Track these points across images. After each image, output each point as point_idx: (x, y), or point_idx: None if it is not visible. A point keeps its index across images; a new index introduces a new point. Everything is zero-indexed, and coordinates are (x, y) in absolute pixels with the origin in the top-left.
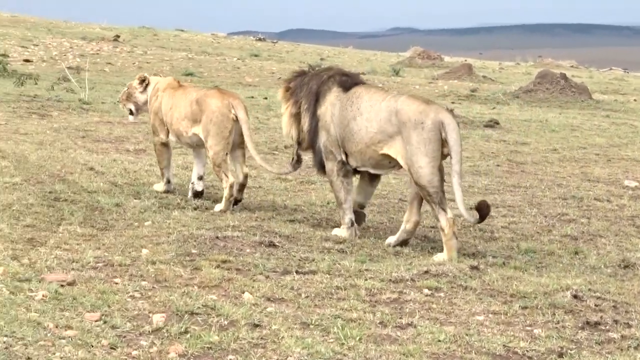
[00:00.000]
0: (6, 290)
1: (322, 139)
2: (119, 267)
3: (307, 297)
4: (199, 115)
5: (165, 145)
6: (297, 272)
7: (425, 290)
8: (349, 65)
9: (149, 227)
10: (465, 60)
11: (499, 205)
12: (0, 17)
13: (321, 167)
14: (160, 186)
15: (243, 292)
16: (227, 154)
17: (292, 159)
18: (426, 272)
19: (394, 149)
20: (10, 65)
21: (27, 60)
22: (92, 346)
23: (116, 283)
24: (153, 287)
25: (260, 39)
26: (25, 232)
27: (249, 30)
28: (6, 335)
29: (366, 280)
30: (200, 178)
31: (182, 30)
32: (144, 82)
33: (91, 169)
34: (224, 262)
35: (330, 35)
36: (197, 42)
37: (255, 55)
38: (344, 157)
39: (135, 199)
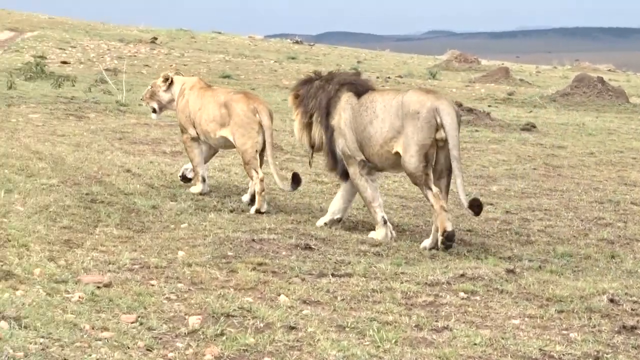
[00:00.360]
0: (43, 291)
1: (340, 146)
2: (155, 269)
3: (342, 299)
4: (227, 119)
5: (195, 139)
6: (332, 274)
7: (461, 294)
8: (385, 68)
9: (185, 229)
10: (502, 64)
11: (535, 209)
12: (38, 19)
13: (344, 174)
14: (197, 188)
15: (279, 295)
16: (257, 151)
17: (309, 162)
18: (462, 275)
19: (399, 144)
20: (48, 67)
21: (64, 62)
22: (128, 348)
23: (152, 285)
24: (189, 289)
25: (297, 42)
26: (62, 234)
27: (286, 33)
28: (43, 337)
29: (402, 283)
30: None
31: (220, 33)
32: (167, 80)
33: (128, 170)
34: (260, 264)
35: (367, 38)
36: (234, 44)
37: (292, 58)
38: (364, 157)
39: (171, 201)
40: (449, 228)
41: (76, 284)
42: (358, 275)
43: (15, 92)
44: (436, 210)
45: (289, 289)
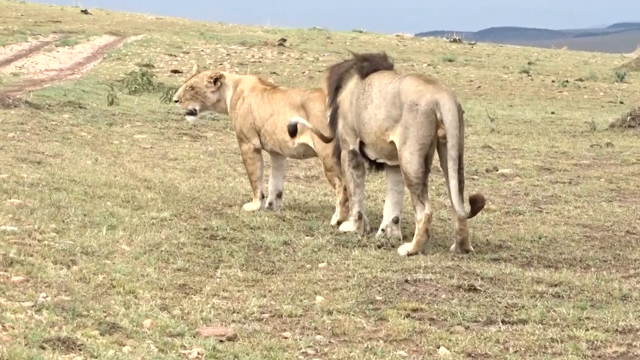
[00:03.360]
0: (154, 347)
1: (339, 126)
2: (289, 318)
3: (515, 351)
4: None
5: (258, 152)
6: (503, 321)
7: None
8: (562, 70)
9: (324, 269)
10: None
11: None
12: (143, 20)
13: (339, 156)
14: (253, 205)
15: (438, 347)
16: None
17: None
18: None
19: (396, 135)
20: (156, 77)
21: (175, 71)
22: None
23: (285, 337)
24: (330, 342)
25: (454, 40)
26: (177, 277)
27: (440, 30)
28: None
29: (587, 330)
30: (280, 195)
31: (361, 32)
32: (218, 80)
33: None
34: (415, 310)
35: (540, 34)
36: (378, 45)
37: (450, 60)
38: (357, 148)
39: (307, 235)
40: (417, 253)
41: (194, 337)
42: (534, 321)
43: (117, 108)
44: (418, 230)
45: (450, 340)
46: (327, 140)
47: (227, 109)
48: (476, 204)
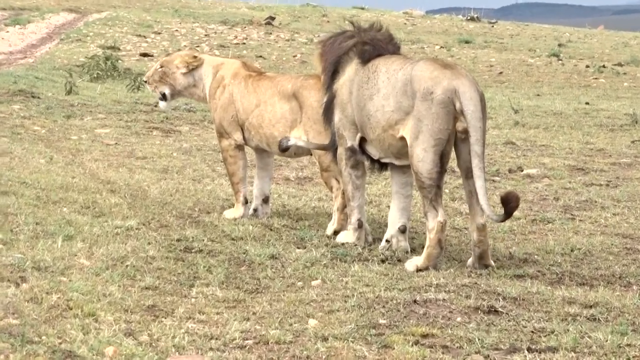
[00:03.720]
0: None
1: (336, 119)
2: (276, 345)
3: None
4: (298, 113)
5: (241, 149)
6: (529, 349)
7: None
8: (599, 52)
9: (318, 288)
10: None
11: None
12: None
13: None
14: (235, 211)
15: None
16: None
17: None
18: None
19: (407, 129)
20: (122, 61)
21: (145, 55)
22: None
23: None
24: None
25: (472, 18)
26: (144, 297)
27: (455, 7)
28: None
29: (628, 359)
30: (266, 200)
31: (362, 8)
32: (189, 65)
33: None
34: (425, 336)
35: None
36: (383, 23)
37: (466, 42)
38: (356, 144)
39: (298, 248)
40: (429, 268)
41: None
42: (565, 349)
43: (76, 97)
44: (430, 241)
45: None
46: (330, 149)
47: (205, 97)
48: (509, 203)
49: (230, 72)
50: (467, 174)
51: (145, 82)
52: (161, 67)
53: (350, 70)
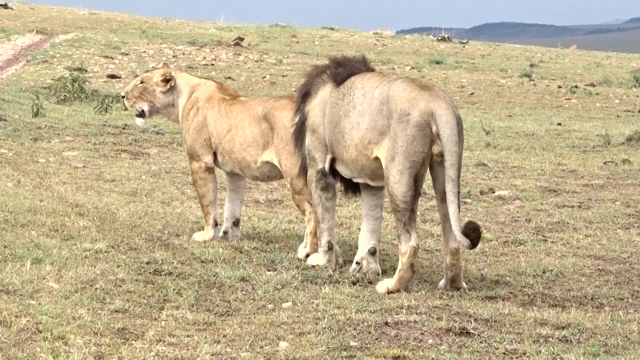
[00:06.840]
0: None
1: (307, 141)
2: None
3: None
4: (269, 135)
5: (211, 171)
6: None
7: None
8: (571, 73)
9: (289, 310)
10: None
11: None
12: (74, 15)
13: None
14: (205, 234)
15: None
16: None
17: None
18: None
19: (382, 149)
20: (90, 83)
21: (112, 76)
22: None
23: None
24: None
25: (443, 38)
26: (114, 320)
27: (426, 27)
28: None
29: None
30: (237, 223)
31: (332, 29)
32: (168, 82)
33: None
34: (397, 358)
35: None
36: (353, 44)
37: (437, 63)
38: (327, 166)
39: (268, 270)
40: (400, 290)
41: None
42: None
43: (43, 120)
44: (402, 265)
45: None
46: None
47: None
48: (469, 236)
49: (205, 94)
50: (443, 197)
51: (124, 97)
52: (141, 82)
53: (324, 93)
